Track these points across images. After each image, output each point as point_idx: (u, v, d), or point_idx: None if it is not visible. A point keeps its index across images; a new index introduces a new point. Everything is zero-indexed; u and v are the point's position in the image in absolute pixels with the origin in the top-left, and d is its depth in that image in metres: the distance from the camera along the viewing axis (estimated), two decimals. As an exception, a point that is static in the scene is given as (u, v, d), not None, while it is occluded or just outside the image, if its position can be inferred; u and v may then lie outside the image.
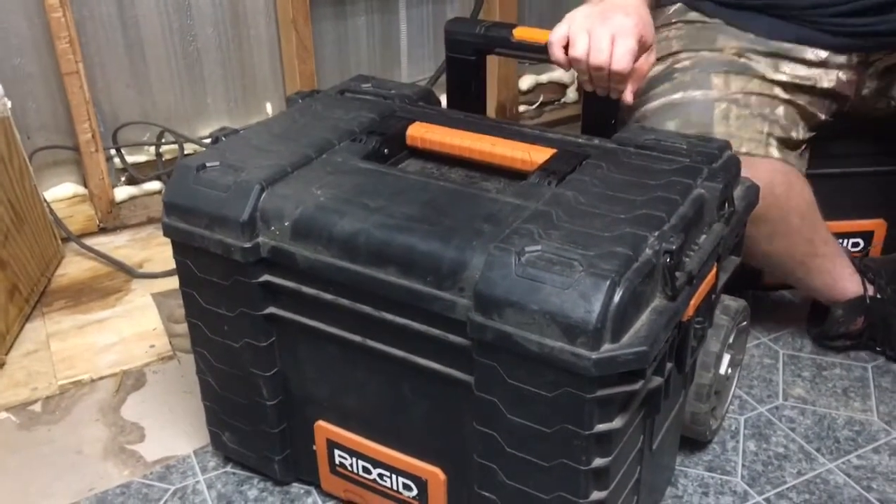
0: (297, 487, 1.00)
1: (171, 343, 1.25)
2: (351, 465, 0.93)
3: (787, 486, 1.00)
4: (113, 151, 1.56)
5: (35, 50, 1.44)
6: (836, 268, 1.14)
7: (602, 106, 0.99)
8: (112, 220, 1.54)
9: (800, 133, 1.11)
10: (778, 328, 1.27)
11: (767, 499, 0.99)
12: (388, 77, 1.73)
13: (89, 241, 1.49)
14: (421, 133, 0.96)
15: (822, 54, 1.09)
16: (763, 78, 1.08)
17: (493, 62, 1.78)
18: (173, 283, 1.37)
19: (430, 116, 0.99)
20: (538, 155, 0.90)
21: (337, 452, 0.94)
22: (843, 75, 1.11)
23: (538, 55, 1.01)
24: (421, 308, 0.78)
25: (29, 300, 1.33)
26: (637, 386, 0.73)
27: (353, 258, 0.80)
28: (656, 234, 0.75)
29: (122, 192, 1.57)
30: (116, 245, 1.51)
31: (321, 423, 0.93)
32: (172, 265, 1.36)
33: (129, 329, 1.29)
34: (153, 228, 1.56)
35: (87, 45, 1.47)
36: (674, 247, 0.74)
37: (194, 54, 1.57)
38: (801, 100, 1.11)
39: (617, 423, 0.74)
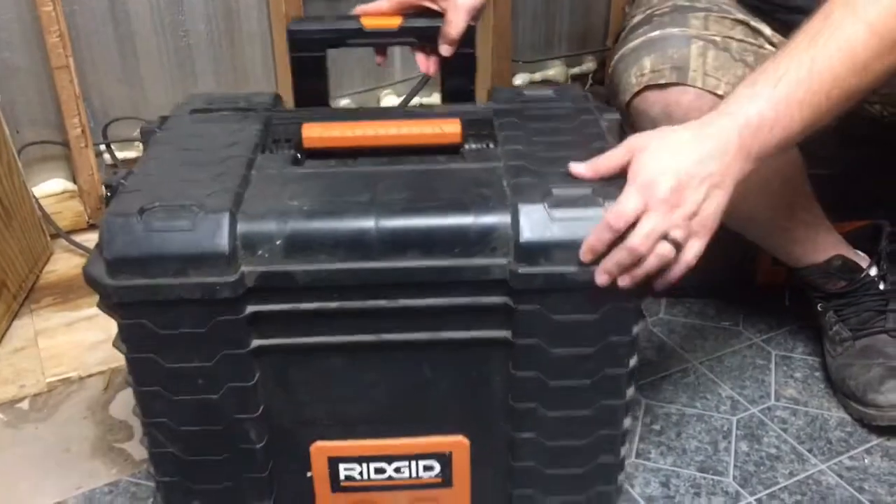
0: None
1: (160, 340, 1.25)
2: (360, 473, 0.89)
3: (779, 486, 1.00)
4: (103, 147, 1.55)
5: (25, 44, 1.43)
6: (819, 235, 1.11)
7: (461, 76, 1.03)
8: (101, 216, 1.53)
9: None
10: (770, 329, 1.27)
11: (759, 499, 0.98)
12: (383, 73, 1.73)
13: (78, 238, 1.48)
14: (318, 133, 0.89)
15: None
16: (747, 25, 1.07)
17: (485, 59, 1.77)
18: (163, 280, 1.37)
19: (307, 117, 0.94)
20: (448, 126, 0.90)
21: (342, 467, 0.89)
22: None
23: (390, 40, 1.04)
24: (447, 282, 0.79)
25: (17, 297, 1.32)
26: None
27: (366, 255, 0.78)
28: None
29: (112, 188, 1.56)
30: (106, 241, 1.50)
31: (319, 444, 0.88)
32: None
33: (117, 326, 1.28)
34: (143, 225, 1.55)
35: (78, 39, 1.46)
36: None
37: (186, 49, 1.56)
38: None
39: (641, 323, 0.83)
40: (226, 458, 0.86)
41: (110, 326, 1.26)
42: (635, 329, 0.82)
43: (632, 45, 1.07)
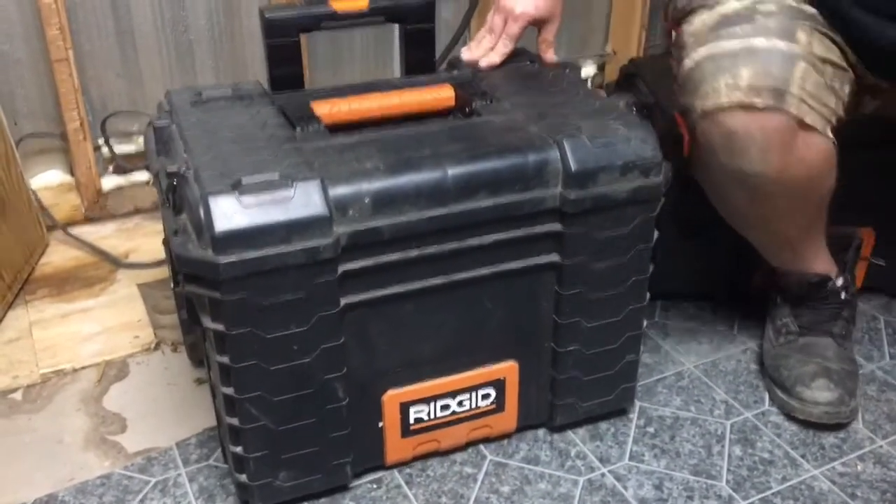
0: (279, 482, 0.99)
1: (155, 334, 1.24)
2: (428, 413, 0.98)
3: (771, 491, 1.00)
4: (101, 140, 1.54)
5: (25, 36, 1.42)
6: (813, 248, 1.12)
7: (423, 48, 1.13)
8: (98, 209, 1.53)
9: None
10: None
11: (752, 504, 0.99)
12: (384, 73, 1.73)
13: (75, 231, 1.48)
14: (328, 109, 0.98)
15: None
16: (840, 46, 1.00)
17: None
18: (159, 273, 1.37)
19: (310, 97, 1.02)
20: (443, 92, 1.03)
21: (412, 411, 0.97)
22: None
23: (363, 20, 1.09)
24: (509, 217, 0.89)
25: (12, 288, 1.31)
26: (663, 199, 0.95)
27: (444, 201, 0.86)
28: (622, 102, 1.00)
29: (110, 182, 1.55)
30: (102, 235, 1.50)
31: (390, 392, 0.95)
32: (158, 256, 1.37)
33: (113, 319, 1.28)
34: (140, 219, 1.55)
35: (78, 32, 1.46)
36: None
37: (186, 45, 1.56)
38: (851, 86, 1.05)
39: (656, 233, 0.97)
40: (314, 422, 0.91)
41: (105, 319, 1.27)
42: (654, 237, 0.96)
43: (729, 46, 0.96)
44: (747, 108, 0.94)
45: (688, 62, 1.01)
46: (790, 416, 1.10)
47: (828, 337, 1.14)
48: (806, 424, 1.09)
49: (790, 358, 1.13)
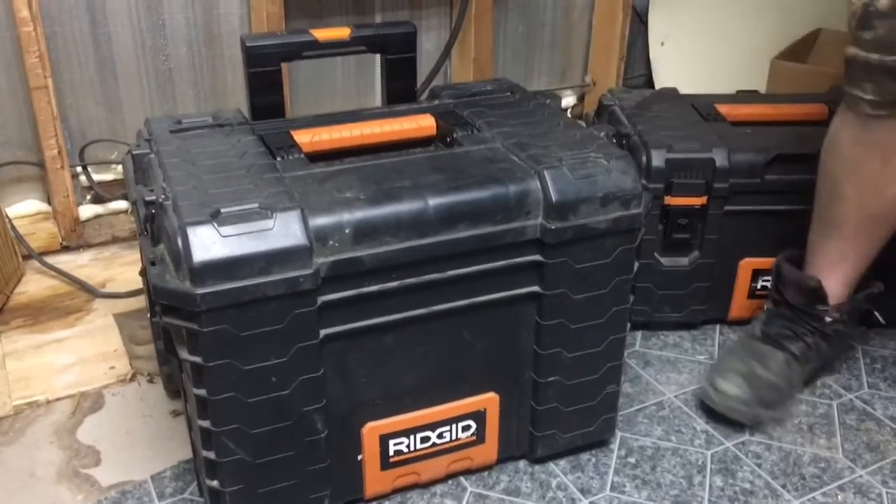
0: (256, 516, 0.98)
1: (131, 364, 1.23)
2: (408, 445, 0.97)
3: (752, 522, 1.00)
4: (79, 169, 1.53)
5: (3, 63, 1.42)
6: (842, 270, 1.14)
7: (405, 78, 1.14)
8: (76, 238, 1.51)
9: None
10: (745, 364, 1.27)
11: (733, 535, 0.98)
12: (365, 103, 1.73)
13: (51, 260, 1.46)
14: (309, 139, 0.99)
15: None
16: None
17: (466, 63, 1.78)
18: (135, 303, 1.36)
19: (291, 126, 1.03)
20: (424, 121, 1.04)
21: (392, 443, 0.96)
22: None
23: (342, 50, 1.11)
24: (490, 247, 0.89)
25: (-14, 318, 1.30)
26: (643, 228, 0.96)
27: (424, 232, 0.86)
28: (602, 133, 1.02)
29: (88, 211, 1.54)
30: (79, 264, 1.48)
31: (370, 424, 0.94)
32: (135, 285, 1.35)
33: (88, 349, 1.26)
34: (117, 248, 1.53)
35: (58, 60, 1.46)
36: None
37: (166, 73, 1.56)
38: None
39: (637, 264, 0.98)
40: (292, 455, 0.90)
41: (80, 349, 1.26)
42: (635, 267, 0.97)
43: (862, 55, 1.03)
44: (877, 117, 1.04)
45: (849, 50, 1.05)
46: (702, 403, 1.15)
47: (782, 352, 1.15)
48: (779, 451, 1.09)
49: (736, 352, 1.16)
